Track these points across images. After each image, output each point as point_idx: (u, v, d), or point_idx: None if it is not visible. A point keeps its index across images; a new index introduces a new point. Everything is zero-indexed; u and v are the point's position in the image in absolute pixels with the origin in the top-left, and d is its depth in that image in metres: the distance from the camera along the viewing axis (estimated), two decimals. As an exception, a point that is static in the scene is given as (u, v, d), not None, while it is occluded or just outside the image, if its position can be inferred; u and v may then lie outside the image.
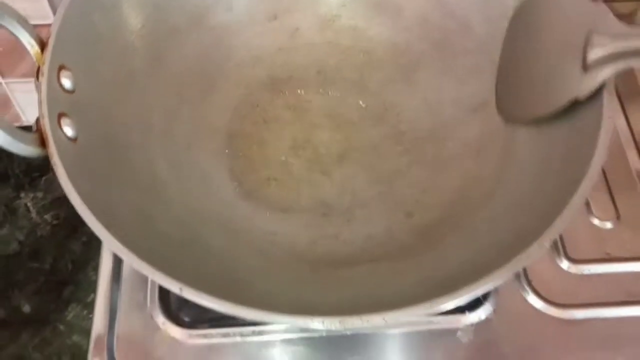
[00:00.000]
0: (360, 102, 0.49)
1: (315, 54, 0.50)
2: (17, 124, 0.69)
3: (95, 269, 0.61)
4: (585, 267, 0.46)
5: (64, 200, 0.65)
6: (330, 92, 0.49)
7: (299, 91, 0.49)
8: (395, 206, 0.44)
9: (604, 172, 0.50)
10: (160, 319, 0.43)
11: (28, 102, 0.68)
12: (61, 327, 0.59)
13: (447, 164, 0.45)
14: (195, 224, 0.41)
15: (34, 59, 0.37)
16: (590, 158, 0.34)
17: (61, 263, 0.62)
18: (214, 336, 0.43)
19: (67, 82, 0.37)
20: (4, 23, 0.35)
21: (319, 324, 0.30)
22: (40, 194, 0.66)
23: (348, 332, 0.30)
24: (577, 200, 0.32)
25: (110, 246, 0.31)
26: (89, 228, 0.64)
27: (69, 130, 0.36)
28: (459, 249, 0.38)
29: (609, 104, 0.36)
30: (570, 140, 0.38)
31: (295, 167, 0.46)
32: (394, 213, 0.43)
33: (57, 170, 0.34)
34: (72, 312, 0.60)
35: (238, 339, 0.43)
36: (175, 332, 0.43)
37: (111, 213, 0.34)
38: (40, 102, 0.35)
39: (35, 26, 0.58)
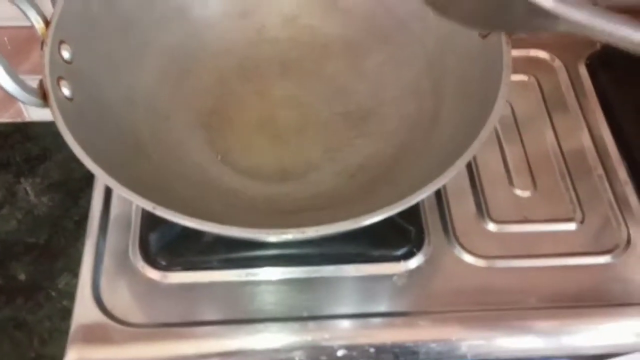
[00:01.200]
0: (315, 87, 0.57)
1: (279, 47, 0.58)
2: (19, 119, 0.78)
3: (86, 243, 0.69)
4: (505, 226, 0.54)
5: (59, 185, 0.74)
6: (290, 79, 0.57)
7: (264, 79, 0.57)
8: (341, 169, 0.52)
9: (524, 151, 0.58)
10: (140, 263, 0.50)
11: (30, 100, 0.76)
12: (53, 293, 0.66)
13: (386, 136, 0.53)
14: (170, 178, 0.48)
15: (39, 33, 0.45)
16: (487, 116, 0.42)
17: (55, 239, 0.69)
18: (185, 277, 0.50)
19: (66, 54, 0.45)
20: (16, 2, 0.43)
21: (267, 236, 0.38)
22: (38, 180, 0.73)
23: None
24: (470, 151, 0.41)
25: (95, 172, 0.39)
26: (80, 208, 0.72)
27: (66, 91, 0.44)
28: (387, 197, 0.46)
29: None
30: (482, 103, 0.46)
31: (259, 139, 0.54)
32: (340, 175, 0.51)
33: (55, 117, 0.41)
34: (63, 281, 0.67)
35: (206, 280, 0.50)
36: (153, 274, 0.50)
37: (98, 154, 0.41)
38: (43, 66, 0.43)
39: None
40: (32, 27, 0.45)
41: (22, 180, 0.73)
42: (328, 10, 0.58)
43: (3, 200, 0.72)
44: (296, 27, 0.58)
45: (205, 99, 0.55)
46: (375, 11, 0.57)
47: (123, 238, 0.51)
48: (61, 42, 0.45)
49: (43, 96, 0.42)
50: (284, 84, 0.57)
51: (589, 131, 0.60)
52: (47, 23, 0.45)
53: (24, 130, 0.78)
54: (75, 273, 0.67)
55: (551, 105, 0.61)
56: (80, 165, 0.40)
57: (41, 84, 0.43)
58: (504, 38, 0.46)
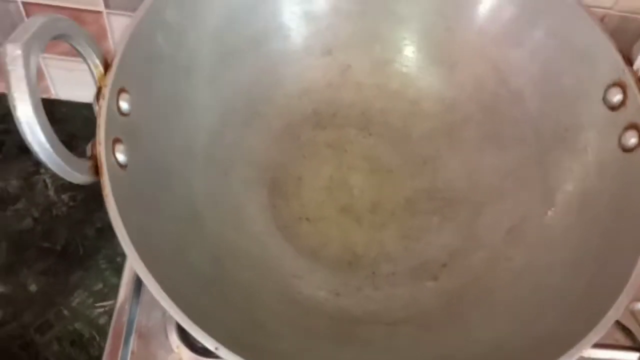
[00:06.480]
0: (400, 150, 0.49)
1: (363, 94, 0.50)
2: (45, 96, 0.69)
3: (106, 258, 0.62)
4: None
5: (83, 182, 0.66)
6: (371, 135, 0.49)
7: (341, 130, 0.49)
8: (421, 266, 0.44)
9: None
10: (175, 342, 0.43)
11: (60, 78, 0.67)
12: (65, 312, 0.59)
13: (477, 233, 0.45)
14: (225, 258, 0.41)
15: (95, 78, 0.37)
16: (631, 267, 0.34)
17: (73, 246, 0.62)
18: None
19: (124, 105, 0.37)
20: (73, 43, 0.35)
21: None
22: (60, 172, 0.65)
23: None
24: (612, 315, 0.33)
25: (153, 291, 0.31)
26: (105, 214, 0.65)
27: (121, 157, 0.36)
28: (481, 328, 0.39)
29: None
30: (610, 236, 0.38)
31: (328, 209, 0.46)
32: (419, 273, 0.44)
33: (107, 203, 0.34)
34: (77, 298, 0.60)
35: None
36: (189, 357, 0.43)
37: (152, 248, 0.34)
38: (98, 127, 0.35)
39: (83, 11, 0.58)
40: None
41: (41, 170, 0.66)
42: (428, 60, 0.49)
43: (19, 191, 0.64)
44: (387, 74, 0.50)
45: (271, 150, 0.47)
46: (485, 73, 0.48)
47: (159, 312, 0.44)
48: (121, 90, 0.37)
49: (95, 169, 0.34)
50: (364, 140, 0.49)
51: None
52: (106, 67, 0.36)
53: (50, 110, 0.68)
54: (91, 291, 0.61)
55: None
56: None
57: (93, 150, 0.35)
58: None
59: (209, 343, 0.31)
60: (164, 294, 0.31)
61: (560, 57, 0.44)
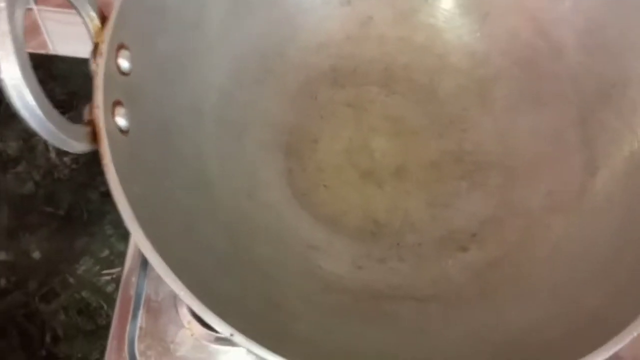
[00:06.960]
0: (425, 110, 0.45)
1: (385, 48, 0.46)
2: (42, 51, 0.65)
3: (112, 223, 0.59)
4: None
5: (85, 143, 0.62)
6: (394, 94, 0.45)
7: (361, 88, 0.45)
8: (449, 236, 0.41)
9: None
10: (186, 317, 0.41)
11: (57, 32, 0.63)
12: (71, 279, 0.57)
13: (511, 199, 0.41)
14: (239, 231, 0.38)
15: (92, 33, 0.33)
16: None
17: (77, 211, 0.59)
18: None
19: (124, 63, 0.33)
20: (66, -7, 0.31)
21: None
22: (61, 133, 0.62)
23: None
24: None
25: (160, 272, 0.28)
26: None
27: (121, 121, 0.32)
28: (515, 306, 0.36)
29: None
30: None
31: (347, 174, 0.43)
32: (447, 243, 0.41)
33: (107, 173, 0.30)
34: (83, 266, 0.57)
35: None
36: (201, 332, 0.40)
37: (158, 223, 0.31)
38: (95, 89, 0.31)
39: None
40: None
41: (42, 131, 0.62)
42: (456, 10, 0.45)
43: (19, 154, 0.61)
44: (411, 26, 0.46)
45: (286, 111, 0.43)
46: (520, 24, 0.43)
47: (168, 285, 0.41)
48: (120, 46, 0.33)
49: (93, 136, 0.31)
50: (386, 99, 0.45)
51: None
52: (103, 20, 0.32)
53: (48, 66, 0.65)
54: (97, 258, 0.58)
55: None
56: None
57: (90, 114, 0.31)
58: None
59: (225, 329, 0.28)
60: (173, 275, 0.28)
61: (605, 6, 0.39)
